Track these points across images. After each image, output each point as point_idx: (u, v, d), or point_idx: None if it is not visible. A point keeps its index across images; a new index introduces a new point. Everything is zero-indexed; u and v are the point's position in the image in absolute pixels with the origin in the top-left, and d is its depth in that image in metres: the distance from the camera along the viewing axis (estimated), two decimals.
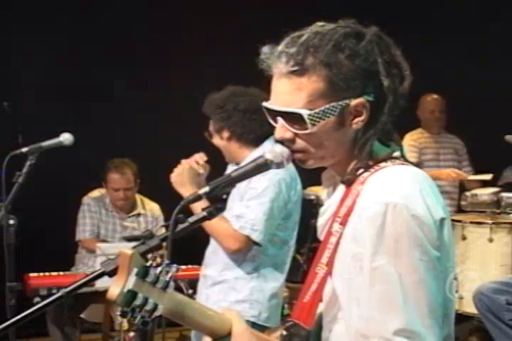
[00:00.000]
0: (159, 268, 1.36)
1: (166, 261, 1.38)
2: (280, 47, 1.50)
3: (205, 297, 3.06)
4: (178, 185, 2.96)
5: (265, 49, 1.54)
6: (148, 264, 1.35)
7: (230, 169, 3.14)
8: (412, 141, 5.65)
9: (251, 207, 2.95)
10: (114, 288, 1.32)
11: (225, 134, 3.11)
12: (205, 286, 3.10)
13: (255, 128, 3.04)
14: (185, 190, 2.91)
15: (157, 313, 1.34)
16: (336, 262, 1.49)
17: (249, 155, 3.03)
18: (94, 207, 4.82)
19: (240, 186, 2.82)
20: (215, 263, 3.07)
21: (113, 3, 5.59)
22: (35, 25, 5.31)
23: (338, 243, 1.48)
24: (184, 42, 5.63)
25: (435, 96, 5.74)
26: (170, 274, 1.37)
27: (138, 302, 1.32)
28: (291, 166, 2.74)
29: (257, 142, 3.08)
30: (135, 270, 1.33)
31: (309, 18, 1.63)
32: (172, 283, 1.38)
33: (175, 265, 1.38)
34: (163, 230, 4.76)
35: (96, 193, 4.89)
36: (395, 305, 1.39)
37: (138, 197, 4.94)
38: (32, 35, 5.31)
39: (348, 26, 1.52)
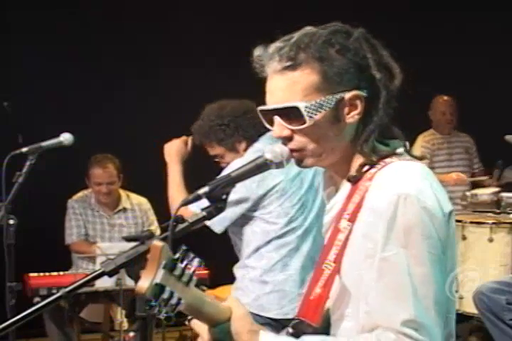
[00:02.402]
0: (185, 262, 1.36)
1: (191, 255, 1.38)
2: (272, 48, 1.53)
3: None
4: (167, 153, 3.22)
5: (257, 50, 1.56)
6: (176, 257, 1.35)
7: None
8: (424, 142, 5.80)
9: None
10: (143, 280, 1.32)
11: (242, 146, 3.09)
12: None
13: (262, 124, 3.03)
14: (170, 160, 3.19)
15: (180, 308, 1.34)
16: (345, 258, 1.49)
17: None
18: (79, 209, 4.81)
19: None
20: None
21: (113, 2, 5.59)
22: (36, 25, 5.31)
23: (347, 239, 1.49)
24: (184, 43, 5.63)
25: (446, 97, 5.85)
26: (193, 269, 1.37)
27: (165, 295, 1.32)
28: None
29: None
30: (163, 262, 1.33)
31: (309, 19, 1.64)
32: (194, 278, 1.37)
33: (198, 259, 1.38)
34: (154, 226, 4.81)
35: (80, 195, 4.88)
36: (405, 295, 1.40)
37: (123, 192, 4.91)
38: (32, 35, 5.31)
39: (336, 25, 1.55)
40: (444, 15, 6.24)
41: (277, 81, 1.52)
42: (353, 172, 1.54)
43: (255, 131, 3.05)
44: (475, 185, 5.73)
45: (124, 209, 4.88)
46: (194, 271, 1.37)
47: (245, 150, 3.09)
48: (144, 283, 1.31)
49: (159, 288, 1.31)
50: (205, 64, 5.60)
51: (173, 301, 1.32)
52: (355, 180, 1.53)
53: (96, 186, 4.75)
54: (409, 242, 1.41)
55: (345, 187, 1.57)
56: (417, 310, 1.40)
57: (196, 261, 1.38)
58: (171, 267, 1.34)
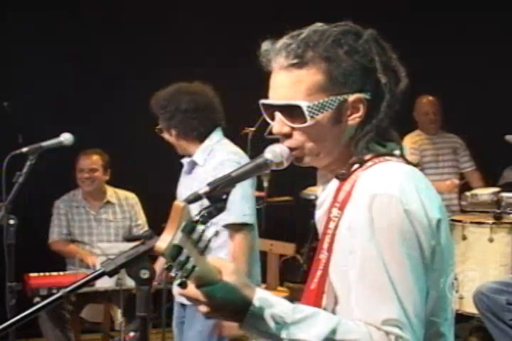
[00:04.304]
0: (202, 227, 1.32)
1: (210, 220, 1.35)
2: (280, 43, 1.53)
3: None
4: None
5: (265, 44, 1.56)
6: (196, 219, 1.32)
7: (185, 161, 3.29)
8: (412, 143, 5.68)
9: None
10: (162, 240, 1.27)
11: (174, 132, 3.24)
12: None
13: (197, 125, 3.20)
14: None
15: (193, 275, 1.29)
16: (334, 251, 1.50)
17: (198, 150, 3.19)
18: (64, 209, 4.85)
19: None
20: None
21: (113, 2, 5.59)
22: (36, 25, 5.31)
23: (336, 228, 1.50)
24: (184, 43, 5.63)
25: (430, 98, 5.77)
26: (209, 237, 1.33)
27: (182, 258, 1.26)
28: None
29: (201, 138, 3.22)
30: (183, 224, 1.28)
31: (309, 19, 1.64)
32: (209, 247, 1.33)
33: (214, 229, 1.36)
34: (141, 220, 4.80)
35: (67, 195, 4.92)
36: (385, 295, 1.41)
37: (110, 188, 4.95)
38: (32, 35, 5.31)
39: (347, 25, 1.55)
40: (444, 15, 6.24)
41: (282, 77, 1.52)
42: (343, 169, 1.55)
43: (185, 129, 3.20)
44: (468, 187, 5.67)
45: (111, 204, 4.89)
46: (210, 240, 1.33)
47: (177, 138, 3.24)
48: (163, 243, 1.26)
49: (177, 249, 1.26)
50: (205, 64, 5.59)
51: (189, 266, 1.27)
52: (342, 178, 1.54)
53: (79, 173, 4.79)
54: (388, 243, 1.42)
55: (335, 181, 1.58)
56: (398, 309, 1.40)
57: (212, 230, 1.35)
58: (190, 230, 1.29)
